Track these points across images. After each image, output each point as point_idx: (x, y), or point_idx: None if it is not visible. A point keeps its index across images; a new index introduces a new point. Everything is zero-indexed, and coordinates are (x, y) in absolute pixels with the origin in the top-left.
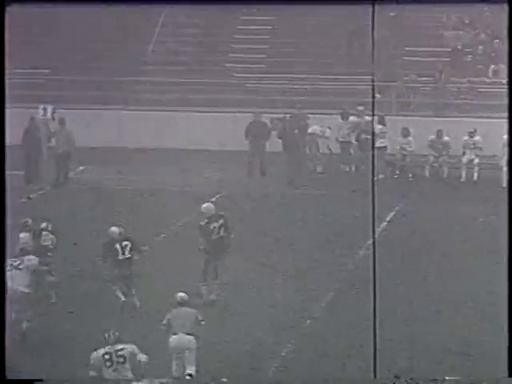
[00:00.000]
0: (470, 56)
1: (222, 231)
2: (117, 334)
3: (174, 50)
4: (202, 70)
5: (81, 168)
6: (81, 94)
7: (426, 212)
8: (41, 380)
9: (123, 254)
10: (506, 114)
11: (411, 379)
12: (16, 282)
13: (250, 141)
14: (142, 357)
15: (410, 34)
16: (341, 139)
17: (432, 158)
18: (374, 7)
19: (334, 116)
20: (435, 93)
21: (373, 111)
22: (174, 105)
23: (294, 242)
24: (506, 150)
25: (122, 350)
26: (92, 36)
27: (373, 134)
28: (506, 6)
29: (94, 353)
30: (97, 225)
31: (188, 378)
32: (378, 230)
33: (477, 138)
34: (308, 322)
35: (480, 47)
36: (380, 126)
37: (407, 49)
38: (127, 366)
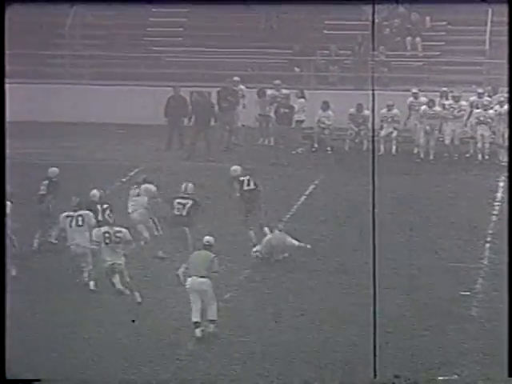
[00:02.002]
0: (387, 29)
1: (251, 184)
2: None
3: (92, 23)
4: (121, 44)
5: None
6: None
7: (344, 185)
8: (39, 380)
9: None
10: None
11: (409, 379)
12: None
13: (169, 115)
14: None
15: (328, 6)
16: (259, 113)
17: (352, 132)
18: (374, 7)
19: (252, 90)
20: (354, 66)
21: None
22: (94, 79)
23: (208, 216)
24: (424, 121)
25: (119, 232)
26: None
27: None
28: (506, 6)
29: (96, 230)
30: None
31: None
32: (296, 204)
33: (395, 111)
34: (228, 295)
35: (396, 20)
36: (301, 100)
37: (327, 22)
38: (121, 245)
